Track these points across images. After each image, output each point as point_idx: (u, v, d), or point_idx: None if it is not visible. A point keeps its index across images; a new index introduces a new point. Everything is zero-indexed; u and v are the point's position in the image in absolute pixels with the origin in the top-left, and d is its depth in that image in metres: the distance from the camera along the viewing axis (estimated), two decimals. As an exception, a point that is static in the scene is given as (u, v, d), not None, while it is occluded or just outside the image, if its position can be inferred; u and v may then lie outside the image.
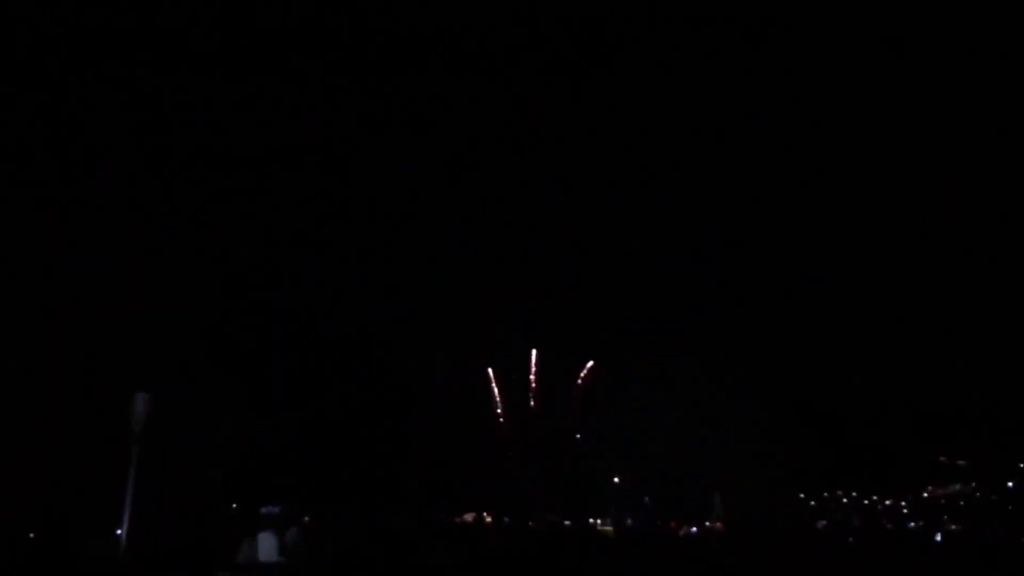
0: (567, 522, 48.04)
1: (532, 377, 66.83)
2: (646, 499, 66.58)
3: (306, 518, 32.00)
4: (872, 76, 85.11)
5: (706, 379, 60.54)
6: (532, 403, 64.22)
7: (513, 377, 64.89)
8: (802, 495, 72.57)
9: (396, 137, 76.04)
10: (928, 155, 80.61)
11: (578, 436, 63.61)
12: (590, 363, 63.92)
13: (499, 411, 67.95)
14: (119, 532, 15.26)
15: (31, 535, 20.34)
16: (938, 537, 25.55)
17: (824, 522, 58.54)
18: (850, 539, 32.52)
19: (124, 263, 25.01)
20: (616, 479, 61.24)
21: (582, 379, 63.82)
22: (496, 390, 66.97)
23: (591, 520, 55.01)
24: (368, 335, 51.40)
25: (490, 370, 66.44)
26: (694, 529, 33.65)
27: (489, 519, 46.38)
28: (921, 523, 61.60)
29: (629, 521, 56.16)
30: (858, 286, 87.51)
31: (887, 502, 72.40)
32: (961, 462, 68.58)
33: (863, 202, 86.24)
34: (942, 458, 68.50)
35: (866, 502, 72.98)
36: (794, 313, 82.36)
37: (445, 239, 71.66)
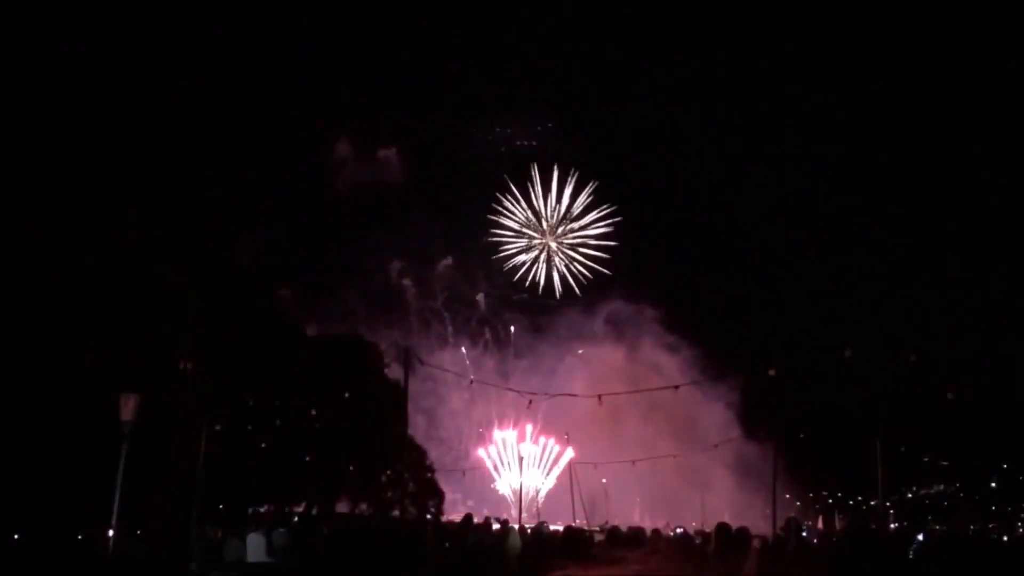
0: (560, 525, 48.11)
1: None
2: (638, 499, 66.88)
3: (294, 518, 32.01)
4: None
5: (687, 375, 60.90)
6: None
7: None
8: (788, 496, 72.96)
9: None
10: (911, 145, 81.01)
11: (566, 435, 63.89)
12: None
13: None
14: (110, 533, 15.26)
15: (16, 536, 20.28)
16: (920, 537, 25.80)
17: (808, 523, 58.93)
18: (834, 539, 32.80)
19: (112, 260, 24.94)
20: (604, 479, 61.48)
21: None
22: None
23: (578, 521, 55.13)
24: (358, 334, 51.49)
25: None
26: (679, 530, 33.90)
27: (478, 520, 46.42)
28: (905, 523, 62.14)
29: (617, 524, 56.29)
30: (843, 285, 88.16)
31: (872, 502, 72.96)
32: (944, 462, 69.29)
33: (844, 197, 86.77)
34: (925, 458, 69.19)
35: (851, 502, 73.49)
36: (775, 309, 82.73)
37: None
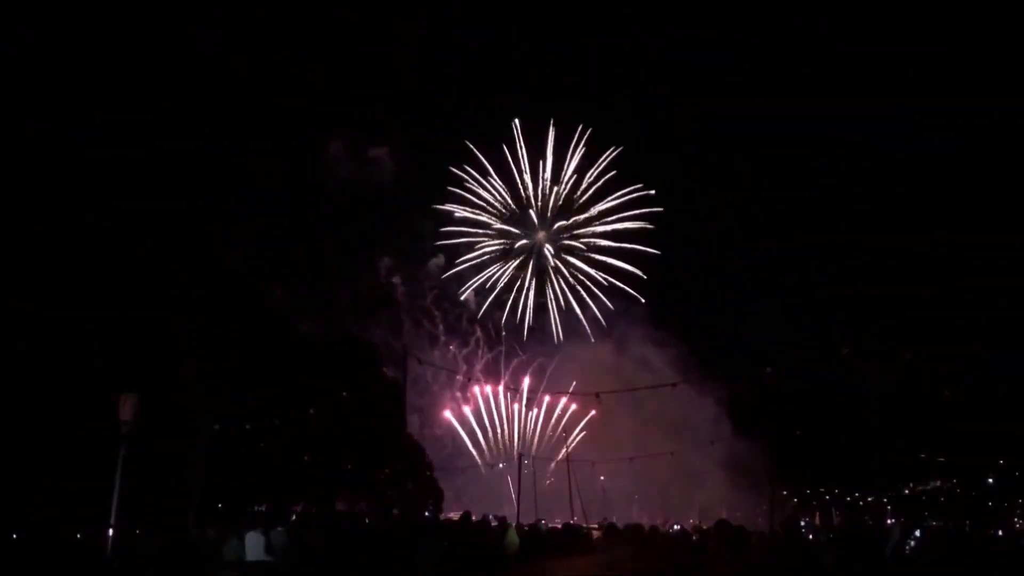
0: (558, 523, 48.40)
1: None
2: (636, 497, 66.97)
3: (293, 517, 32.09)
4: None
5: (675, 371, 60.98)
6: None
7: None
8: (785, 492, 73.15)
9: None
10: (911, 144, 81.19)
11: (564, 433, 64.13)
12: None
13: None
14: (110, 533, 15.32)
15: (16, 536, 20.33)
16: (917, 533, 25.90)
17: (806, 519, 59.15)
18: (831, 535, 32.91)
19: (112, 261, 25.02)
20: (602, 477, 61.62)
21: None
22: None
23: (575, 519, 55.35)
24: (355, 334, 51.58)
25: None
26: (677, 526, 34.08)
27: (476, 519, 46.53)
28: (902, 519, 62.32)
29: (615, 520, 56.40)
30: (842, 284, 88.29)
31: (869, 498, 73.13)
32: (941, 459, 69.35)
33: (844, 194, 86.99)
34: (922, 454, 69.27)
35: (848, 499, 73.62)
36: (773, 305, 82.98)
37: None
